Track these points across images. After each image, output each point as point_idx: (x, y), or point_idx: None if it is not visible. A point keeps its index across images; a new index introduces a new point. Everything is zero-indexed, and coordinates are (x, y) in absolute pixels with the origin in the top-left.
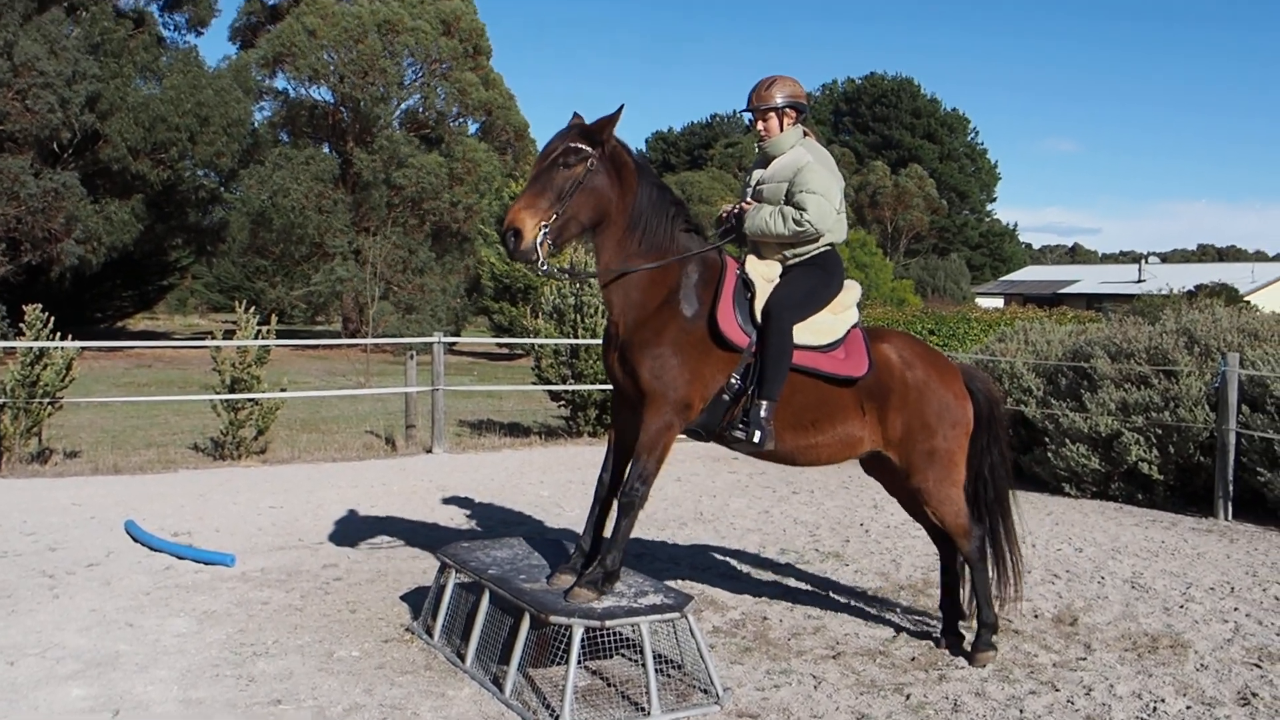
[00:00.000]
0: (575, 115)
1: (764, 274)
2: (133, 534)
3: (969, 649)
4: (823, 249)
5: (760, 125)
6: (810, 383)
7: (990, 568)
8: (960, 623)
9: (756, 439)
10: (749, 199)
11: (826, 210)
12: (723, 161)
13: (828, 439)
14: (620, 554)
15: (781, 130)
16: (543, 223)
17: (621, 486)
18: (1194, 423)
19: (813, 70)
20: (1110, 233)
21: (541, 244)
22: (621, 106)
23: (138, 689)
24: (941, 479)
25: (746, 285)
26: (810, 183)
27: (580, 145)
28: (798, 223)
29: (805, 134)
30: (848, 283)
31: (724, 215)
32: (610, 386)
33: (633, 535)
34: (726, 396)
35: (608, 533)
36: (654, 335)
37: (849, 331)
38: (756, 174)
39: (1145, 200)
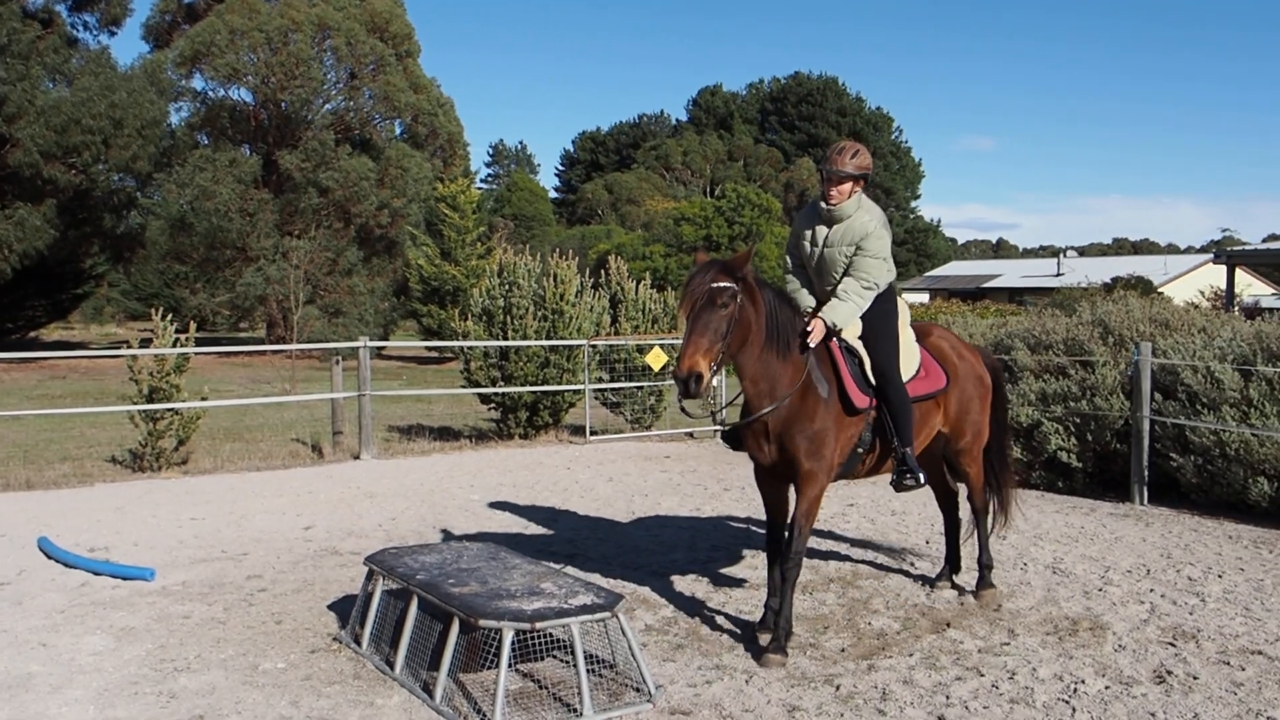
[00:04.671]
0: (698, 252)
1: (854, 334)
2: (46, 551)
3: (974, 589)
4: (884, 289)
5: (833, 189)
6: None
7: (992, 505)
8: (954, 573)
9: (921, 480)
10: (808, 253)
11: (885, 271)
12: (649, 162)
13: (921, 439)
14: (789, 609)
15: (849, 197)
16: (712, 362)
17: (784, 555)
18: (1110, 411)
19: (737, 69)
20: (1029, 228)
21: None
22: (753, 244)
23: (51, 710)
24: (973, 441)
25: (851, 353)
26: (875, 249)
27: (727, 284)
28: (867, 289)
29: (862, 196)
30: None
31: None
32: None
33: (566, 536)
34: (860, 450)
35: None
36: (808, 421)
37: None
38: (821, 231)
39: (1060, 195)
